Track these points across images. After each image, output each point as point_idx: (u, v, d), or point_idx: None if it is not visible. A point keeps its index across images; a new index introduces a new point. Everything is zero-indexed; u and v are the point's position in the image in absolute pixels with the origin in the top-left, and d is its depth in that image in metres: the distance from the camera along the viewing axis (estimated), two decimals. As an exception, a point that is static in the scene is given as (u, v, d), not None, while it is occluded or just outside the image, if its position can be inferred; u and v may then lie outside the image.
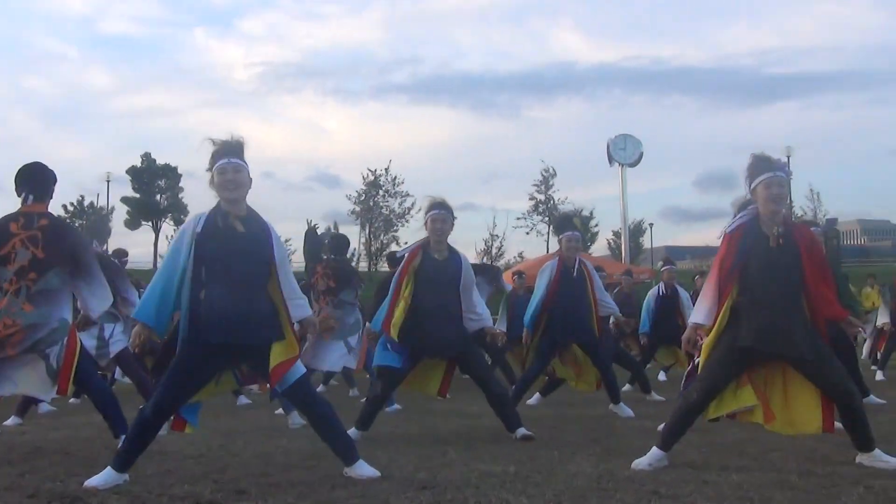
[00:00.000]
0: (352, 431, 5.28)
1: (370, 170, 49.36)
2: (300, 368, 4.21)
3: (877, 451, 4.31)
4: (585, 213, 47.79)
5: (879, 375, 9.85)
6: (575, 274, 6.90)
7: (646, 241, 56.15)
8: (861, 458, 4.34)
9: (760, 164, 4.40)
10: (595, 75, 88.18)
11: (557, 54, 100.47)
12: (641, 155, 24.02)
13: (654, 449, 4.44)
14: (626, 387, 9.19)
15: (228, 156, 4.13)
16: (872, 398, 7.10)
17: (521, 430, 5.52)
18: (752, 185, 4.40)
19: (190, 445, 5.09)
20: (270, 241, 4.19)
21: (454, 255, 5.75)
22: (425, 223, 5.74)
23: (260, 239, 4.15)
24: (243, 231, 4.11)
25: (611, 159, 23.93)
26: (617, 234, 50.41)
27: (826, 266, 4.41)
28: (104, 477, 3.99)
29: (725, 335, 4.35)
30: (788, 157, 34.48)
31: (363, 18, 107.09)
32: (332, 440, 4.25)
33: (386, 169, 49.21)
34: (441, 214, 5.66)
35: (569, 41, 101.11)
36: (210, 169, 4.17)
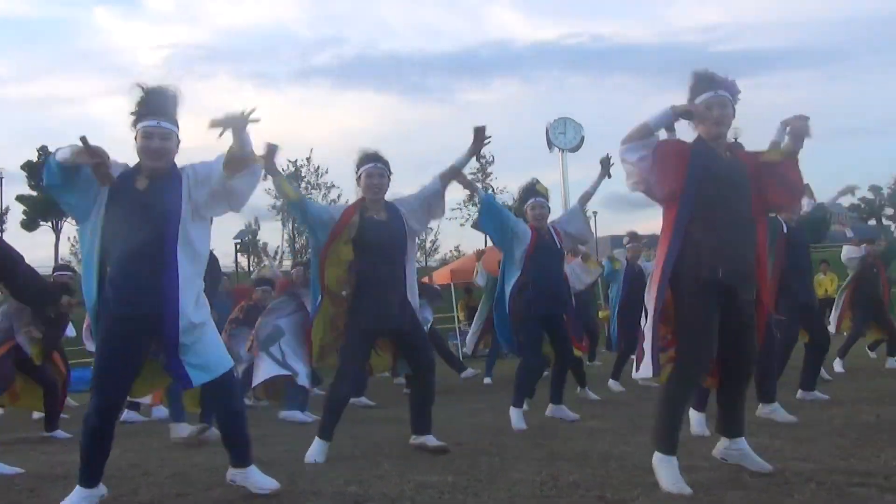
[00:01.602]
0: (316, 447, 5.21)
1: (290, 160, 49.07)
2: (227, 361, 4.13)
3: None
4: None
5: (839, 366, 10.02)
6: (550, 243, 6.67)
7: (590, 231, 56.79)
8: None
9: (702, 82, 4.24)
10: (533, 55, 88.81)
11: (493, 33, 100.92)
12: (583, 139, 24.24)
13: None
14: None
15: (157, 116, 3.98)
16: (816, 394, 7.22)
17: (431, 439, 5.35)
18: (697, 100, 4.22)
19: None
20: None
21: (395, 214, 5.39)
22: (358, 179, 5.44)
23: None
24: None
25: (550, 144, 24.08)
26: (558, 223, 50.89)
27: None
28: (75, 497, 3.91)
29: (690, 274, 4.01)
30: (736, 138, 35.12)
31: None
32: (233, 442, 4.18)
33: (308, 159, 49.04)
34: (377, 168, 5.37)
35: (505, 19, 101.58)
36: (134, 125, 4.02)
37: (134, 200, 3.94)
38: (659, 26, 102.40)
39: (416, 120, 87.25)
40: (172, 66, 78.80)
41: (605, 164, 6.68)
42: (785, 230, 6.85)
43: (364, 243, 5.20)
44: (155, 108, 3.98)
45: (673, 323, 4.06)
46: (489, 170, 49.74)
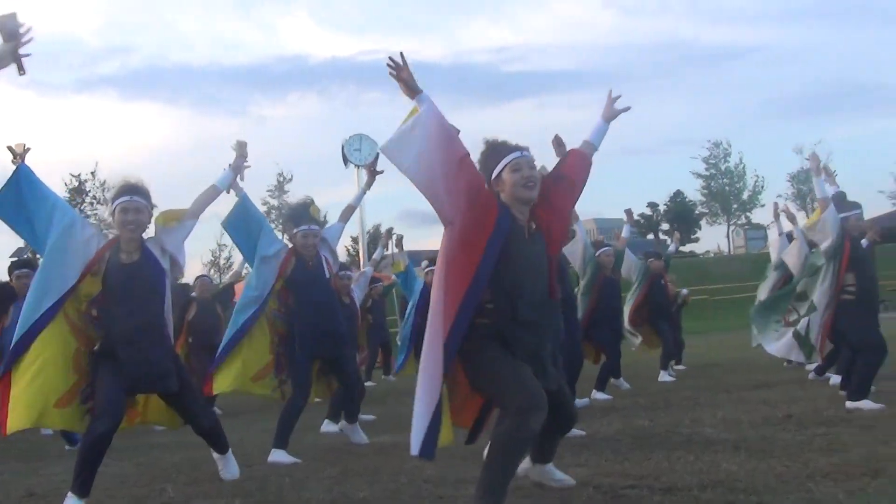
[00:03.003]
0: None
1: (73, 175, 46.61)
2: None
3: None
4: (321, 217, 47.92)
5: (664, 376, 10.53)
6: (313, 267, 6.18)
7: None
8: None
9: (499, 148, 3.94)
10: (329, 70, 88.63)
11: (289, 46, 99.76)
12: (378, 155, 24.38)
13: None
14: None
15: None
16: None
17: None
18: (495, 174, 3.89)
19: None
20: None
21: (148, 256, 4.66)
22: (112, 214, 4.71)
23: None
24: None
25: (346, 161, 24.07)
26: (355, 240, 51.06)
27: None
28: None
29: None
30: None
31: None
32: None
33: (92, 173, 46.69)
34: (133, 203, 4.63)
35: (302, 32, 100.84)
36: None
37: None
38: (454, 45, 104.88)
39: (210, 133, 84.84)
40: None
41: (372, 174, 6.69)
42: None
43: (108, 288, 4.54)
44: None
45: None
46: (286, 187, 49.07)
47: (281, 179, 49.12)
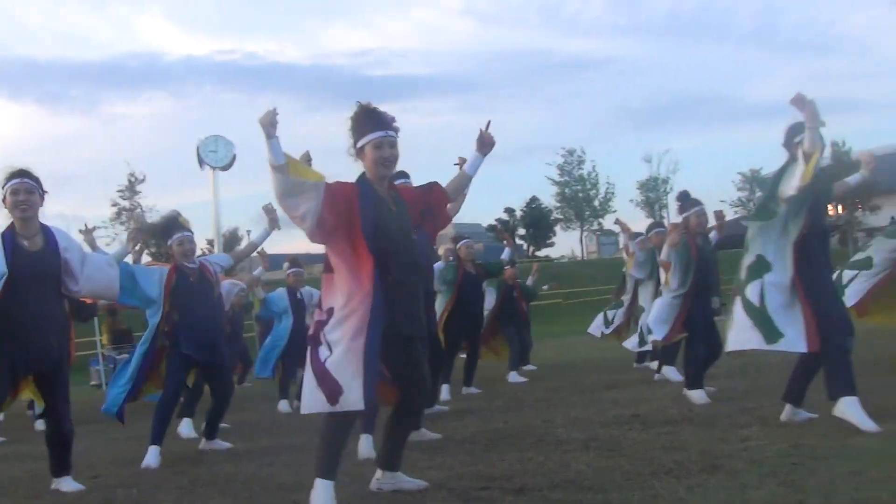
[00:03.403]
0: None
1: None
2: None
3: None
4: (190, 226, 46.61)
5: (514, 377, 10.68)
6: (196, 281, 6.28)
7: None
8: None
9: (370, 120, 4.10)
10: (185, 69, 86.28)
11: (143, 43, 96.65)
12: (234, 158, 23.97)
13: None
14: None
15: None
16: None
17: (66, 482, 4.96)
18: (359, 144, 4.11)
19: None
20: None
21: (50, 240, 4.81)
22: (3, 199, 4.79)
23: None
24: None
25: (201, 162, 23.54)
26: (211, 243, 49.88)
27: None
28: None
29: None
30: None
31: None
32: None
33: (-73, 170, 44.01)
34: (24, 184, 4.74)
35: (157, 29, 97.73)
36: None
37: None
38: (312, 48, 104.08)
39: (56, 131, 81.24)
40: None
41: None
42: None
43: (11, 275, 4.60)
44: None
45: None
46: (138, 188, 47.44)
47: (132, 180, 47.48)
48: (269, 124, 3.87)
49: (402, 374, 4.12)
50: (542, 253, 60.92)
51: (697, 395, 6.72)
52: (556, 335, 19.73)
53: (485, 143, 4.62)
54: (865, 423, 4.76)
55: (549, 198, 57.68)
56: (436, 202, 4.44)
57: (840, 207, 50.73)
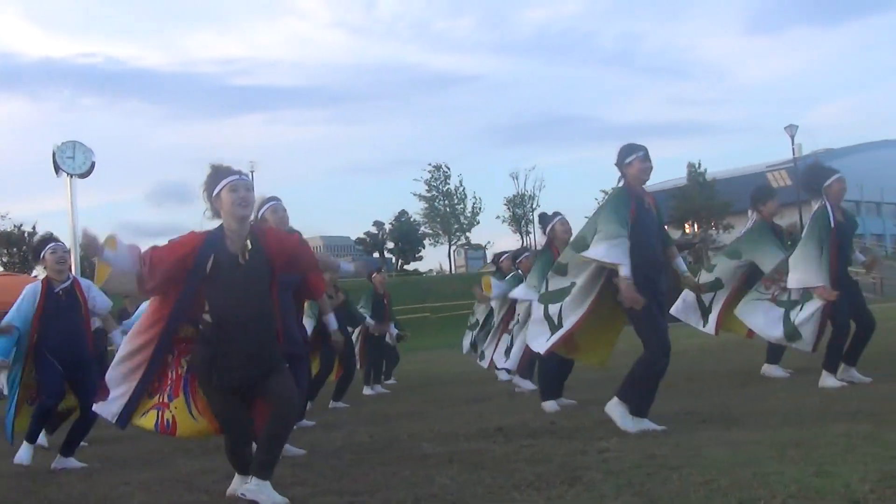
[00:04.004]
0: None
1: None
2: None
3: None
4: (27, 228, 44.65)
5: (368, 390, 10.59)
6: (65, 297, 6.40)
7: (101, 261, 54.24)
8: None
9: (220, 171, 4.33)
10: (42, 71, 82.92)
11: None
12: (93, 165, 23.11)
13: None
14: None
15: None
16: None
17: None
18: (215, 193, 4.27)
19: None
20: None
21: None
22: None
23: None
24: None
25: (57, 169, 22.62)
26: (67, 253, 47.99)
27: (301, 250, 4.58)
28: None
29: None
30: (252, 172, 36.14)
31: None
32: None
33: None
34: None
35: (14, 28, 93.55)
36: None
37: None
38: (178, 55, 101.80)
39: None
40: None
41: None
42: None
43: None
44: None
45: None
46: (-12, 194, 45.26)
47: (-16, 186, 45.32)
48: (89, 245, 4.22)
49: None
50: (410, 267, 61.20)
51: (550, 406, 7.05)
52: (424, 349, 19.84)
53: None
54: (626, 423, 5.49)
55: (417, 213, 58.03)
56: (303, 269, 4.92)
57: (696, 226, 52.96)
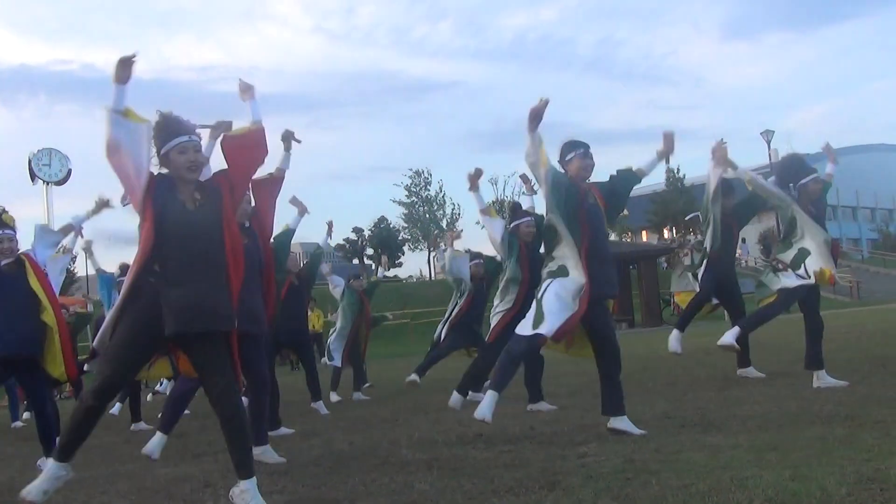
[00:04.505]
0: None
1: None
2: None
3: None
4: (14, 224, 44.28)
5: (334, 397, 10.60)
6: (9, 273, 6.26)
7: (79, 268, 53.85)
8: None
9: (170, 127, 4.14)
10: (18, 77, 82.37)
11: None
12: (70, 172, 23.04)
13: None
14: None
15: None
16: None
17: None
18: (163, 151, 4.11)
19: None
20: None
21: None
22: None
23: None
24: None
25: (33, 176, 22.54)
26: (44, 261, 47.59)
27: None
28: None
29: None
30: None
31: None
32: None
33: None
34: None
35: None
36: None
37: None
38: (155, 61, 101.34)
39: None
40: None
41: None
42: None
43: None
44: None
45: None
46: (-38, 200, 44.92)
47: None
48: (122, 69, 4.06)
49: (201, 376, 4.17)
50: (390, 273, 61.11)
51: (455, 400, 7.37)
52: (404, 355, 19.80)
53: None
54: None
55: (396, 218, 58.00)
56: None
57: (674, 231, 53.21)
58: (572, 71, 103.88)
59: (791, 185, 7.06)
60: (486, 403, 5.57)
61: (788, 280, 7.00)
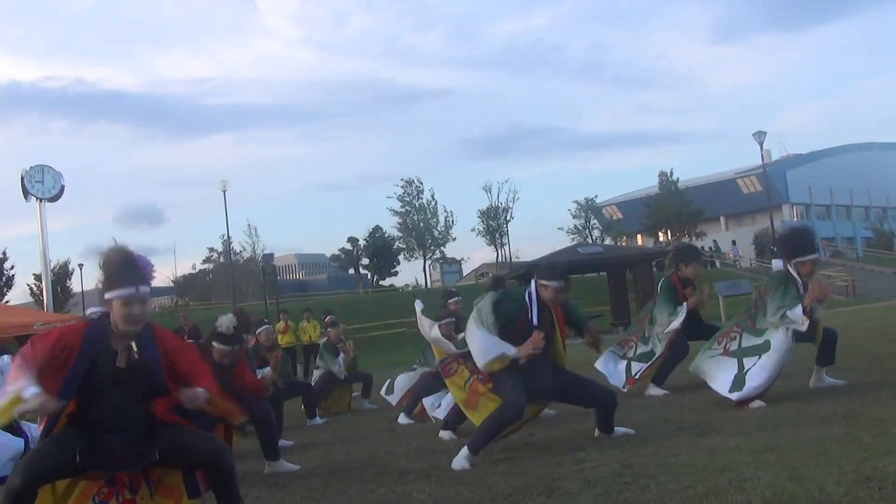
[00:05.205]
0: None
1: None
2: None
3: None
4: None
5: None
6: None
7: (75, 285, 53.83)
8: None
9: (113, 276, 3.78)
10: (9, 95, 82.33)
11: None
12: (63, 189, 22.97)
13: None
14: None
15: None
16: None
17: None
18: (107, 296, 3.77)
19: None
20: None
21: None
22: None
23: None
24: None
25: (26, 193, 22.45)
26: (39, 278, 47.51)
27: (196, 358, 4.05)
28: None
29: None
30: (225, 192, 36.00)
31: None
32: None
33: None
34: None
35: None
36: None
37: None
38: (147, 75, 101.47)
39: None
40: None
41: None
42: None
43: None
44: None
45: None
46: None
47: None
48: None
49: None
50: (386, 282, 61.07)
51: (447, 435, 6.81)
52: (400, 364, 19.73)
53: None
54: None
55: (391, 227, 57.94)
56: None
57: (669, 234, 53.26)
58: (563, 76, 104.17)
59: (790, 260, 6.90)
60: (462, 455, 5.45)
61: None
